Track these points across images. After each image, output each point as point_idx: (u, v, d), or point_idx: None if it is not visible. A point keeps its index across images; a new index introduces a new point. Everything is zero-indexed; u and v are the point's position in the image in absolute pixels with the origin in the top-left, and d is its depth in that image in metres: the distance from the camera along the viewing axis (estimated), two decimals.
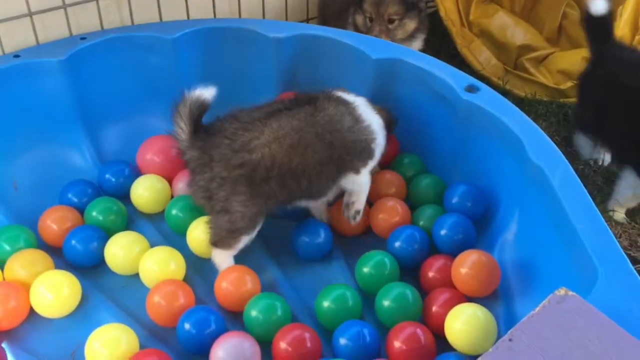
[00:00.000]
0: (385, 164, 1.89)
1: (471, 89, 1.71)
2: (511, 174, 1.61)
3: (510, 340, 1.06)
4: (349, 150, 1.57)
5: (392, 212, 1.71)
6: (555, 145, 1.51)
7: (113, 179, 1.82)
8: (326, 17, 2.34)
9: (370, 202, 1.75)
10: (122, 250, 1.59)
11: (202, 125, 1.52)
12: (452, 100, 1.73)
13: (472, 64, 2.47)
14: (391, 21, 2.15)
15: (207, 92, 1.49)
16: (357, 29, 2.20)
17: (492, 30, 2.51)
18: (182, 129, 1.50)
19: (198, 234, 1.63)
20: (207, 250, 1.61)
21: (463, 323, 1.39)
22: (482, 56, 2.50)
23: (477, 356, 1.35)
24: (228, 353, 1.33)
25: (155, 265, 1.55)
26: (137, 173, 1.85)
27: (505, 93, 2.30)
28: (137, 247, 1.60)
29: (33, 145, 1.84)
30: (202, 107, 1.49)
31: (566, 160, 1.46)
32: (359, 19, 2.20)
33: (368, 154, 1.62)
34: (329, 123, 1.54)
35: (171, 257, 1.57)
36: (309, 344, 1.36)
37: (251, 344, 1.36)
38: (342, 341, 1.39)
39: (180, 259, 1.59)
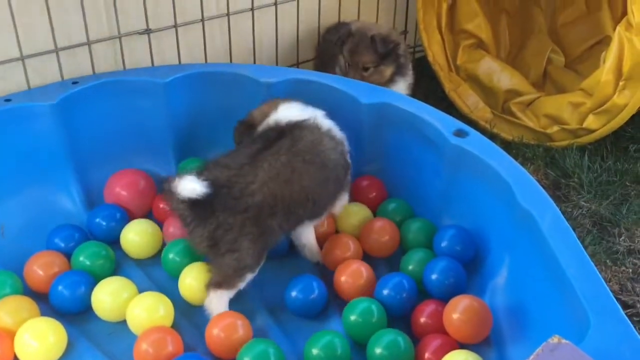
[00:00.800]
0: (372, 210, 1.91)
1: (460, 133, 1.73)
2: (500, 218, 1.62)
3: None
4: (338, 167, 1.66)
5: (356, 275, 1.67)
6: (544, 190, 1.53)
7: (104, 223, 1.81)
8: (324, 61, 2.38)
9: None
10: (109, 297, 1.57)
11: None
12: (440, 145, 1.75)
13: (460, 107, 2.51)
14: (365, 69, 2.17)
15: (196, 187, 1.43)
16: (340, 67, 2.26)
17: (479, 75, 2.55)
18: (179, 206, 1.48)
19: (190, 280, 1.62)
20: (198, 297, 1.59)
21: None
22: (469, 100, 2.53)
23: None
24: None
25: (144, 312, 1.53)
26: (128, 217, 1.84)
27: (493, 136, 2.32)
28: (124, 293, 1.58)
29: (21, 189, 1.83)
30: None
31: (554, 205, 1.48)
32: (341, 63, 2.24)
33: (348, 165, 1.73)
34: (312, 147, 1.60)
35: (160, 303, 1.55)
36: None
37: None
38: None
39: (169, 305, 1.57)
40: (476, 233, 1.72)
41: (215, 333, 1.49)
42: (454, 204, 1.79)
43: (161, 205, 1.85)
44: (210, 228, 1.47)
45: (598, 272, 1.30)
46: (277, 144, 1.58)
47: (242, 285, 1.56)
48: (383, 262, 1.80)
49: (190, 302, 1.64)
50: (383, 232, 1.79)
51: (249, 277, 1.56)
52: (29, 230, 1.79)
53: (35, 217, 1.82)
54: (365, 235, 1.80)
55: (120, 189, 1.88)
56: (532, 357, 1.09)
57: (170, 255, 1.71)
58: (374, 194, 1.96)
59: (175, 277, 1.69)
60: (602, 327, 1.19)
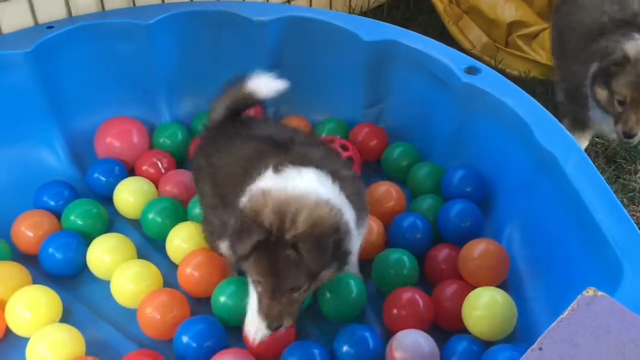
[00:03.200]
0: (375, 158, 1.81)
1: (471, 70, 1.61)
2: (517, 160, 1.52)
3: (540, 349, 0.97)
4: None
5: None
6: (566, 129, 1.43)
7: (103, 178, 1.69)
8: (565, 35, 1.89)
9: None
10: (107, 255, 1.47)
11: None
12: (451, 84, 1.64)
13: (461, 42, 2.37)
14: None
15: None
16: (596, 101, 1.71)
17: (481, 7, 2.40)
18: None
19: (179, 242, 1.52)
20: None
21: (482, 309, 1.31)
22: (472, 34, 2.39)
23: (497, 342, 1.28)
24: None
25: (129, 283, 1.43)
26: (126, 172, 1.73)
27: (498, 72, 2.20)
28: (122, 251, 1.49)
29: (1, 146, 1.69)
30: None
31: (578, 145, 1.38)
32: (602, 95, 1.67)
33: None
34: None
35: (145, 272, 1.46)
36: None
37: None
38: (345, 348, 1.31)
39: (156, 274, 1.48)
40: (489, 176, 1.63)
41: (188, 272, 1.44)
42: (464, 147, 1.69)
43: (154, 159, 1.73)
44: None
45: (630, 217, 1.22)
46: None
47: None
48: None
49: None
50: (388, 198, 1.65)
51: None
52: (12, 190, 1.67)
53: (17, 175, 1.69)
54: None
55: (112, 138, 1.75)
56: (566, 312, 1.01)
57: (150, 216, 1.59)
58: (375, 141, 1.83)
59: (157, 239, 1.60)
60: (638, 276, 1.11)
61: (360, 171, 1.74)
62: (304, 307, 1.39)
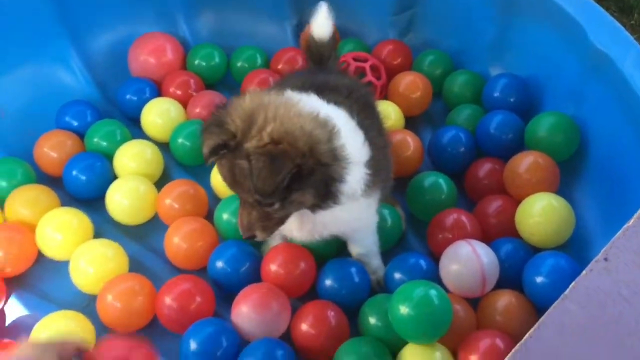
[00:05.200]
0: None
1: None
2: (567, 64, 1.42)
3: (605, 259, 0.91)
4: None
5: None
6: (623, 28, 1.31)
7: (135, 98, 1.61)
8: None
9: None
10: (133, 162, 1.44)
11: None
12: None
13: None
14: None
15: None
16: None
17: None
18: None
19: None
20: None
21: (538, 215, 1.26)
22: None
23: (553, 248, 1.23)
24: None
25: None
26: (157, 93, 1.65)
27: None
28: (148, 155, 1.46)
29: (15, 66, 1.60)
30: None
31: (638, 45, 1.27)
32: None
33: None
34: None
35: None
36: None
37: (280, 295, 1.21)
38: (397, 275, 1.26)
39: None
40: (534, 83, 1.53)
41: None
42: (507, 53, 1.59)
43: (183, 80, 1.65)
44: None
45: None
46: None
47: None
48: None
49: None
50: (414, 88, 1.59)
51: None
52: (31, 111, 1.60)
53: (35, 96, 1.61)
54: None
55: (147, 56, 1.67)
56: (632, 220, 0.94)
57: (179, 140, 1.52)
58: (399, 59, 1.71)
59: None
60: None
61: (385, 89, 1.64)
62: None
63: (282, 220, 1.05)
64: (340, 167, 1.00)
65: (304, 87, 1.08)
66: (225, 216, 1.35)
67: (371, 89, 1.43)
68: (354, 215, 1.14)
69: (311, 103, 1.01)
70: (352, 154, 1.01)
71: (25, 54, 1.61)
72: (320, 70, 1.29)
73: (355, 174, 1.04)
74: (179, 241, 1.31)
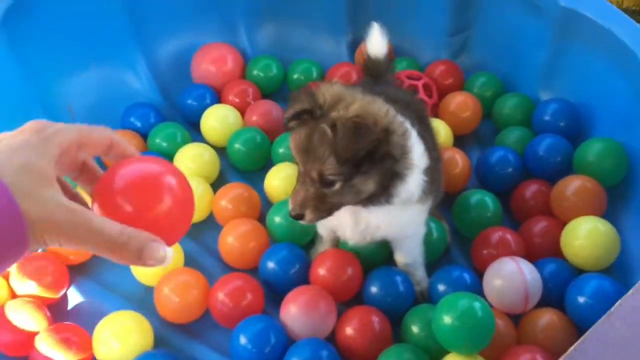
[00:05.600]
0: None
1: None
2: (618, 91, 1.44)
3: None
4: None
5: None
6: None
7: (195, 103, 1.70)
8: None
9: None
10: (192, 164, 1.52)
11: None
12: (547, 8, 1.54)
13: None
14: None
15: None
16: None
17: None
18: None
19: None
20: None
21: (584, 238, 1.28)
22: None
23: (597, 272, 1.25)
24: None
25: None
26: (217, 100, 1.73)
27: None
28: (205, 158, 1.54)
29: (86, 67, 1.70)
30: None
31: None
32: None
33: None
34: None
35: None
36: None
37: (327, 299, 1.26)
38: (441, 287, 1.29)
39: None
40: (585, 109, 1.55)
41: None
42: (557, 78, 1.61)
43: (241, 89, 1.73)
44: None
45: None
46: None
47: None
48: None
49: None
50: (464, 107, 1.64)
51: None
52: (97, 110, 1.68)
53: (102, 96, 1.70)
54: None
55: (208, 64, 1.75)
56: None
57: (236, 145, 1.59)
58: (450, 80, 1.75)
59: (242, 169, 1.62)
60: None
61: (436, 108, 1.68)
62: None
63: (333, 208, 1.06)
64: (404, 166, 1.05)
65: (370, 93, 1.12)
66: (277, 219, 1.41)
67: (425, 105, 1.48)
68: (407, 219, 1.19)
69: (383, 103, 1.06)
70: (415, 158, 1.07)
71: (97, 57, 1.70)
72: (377, 83, 1.34)
73: (415, 178, 1.08)
74: (233, 241, 1.37)
